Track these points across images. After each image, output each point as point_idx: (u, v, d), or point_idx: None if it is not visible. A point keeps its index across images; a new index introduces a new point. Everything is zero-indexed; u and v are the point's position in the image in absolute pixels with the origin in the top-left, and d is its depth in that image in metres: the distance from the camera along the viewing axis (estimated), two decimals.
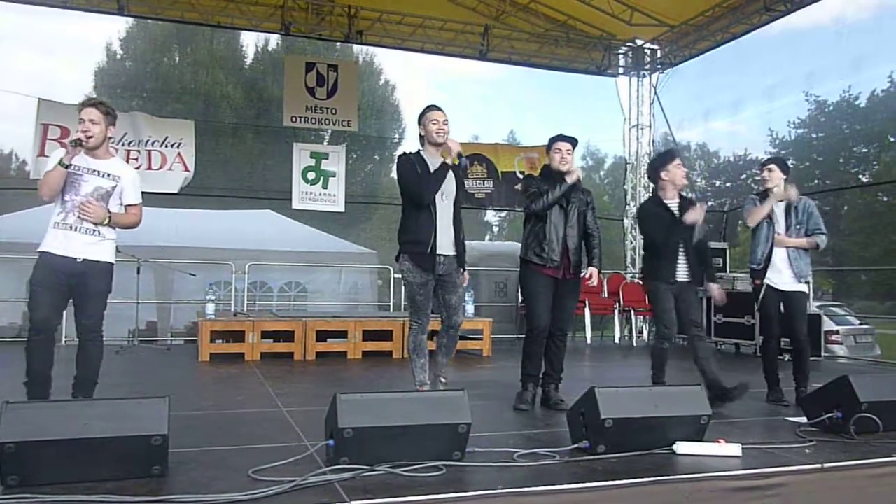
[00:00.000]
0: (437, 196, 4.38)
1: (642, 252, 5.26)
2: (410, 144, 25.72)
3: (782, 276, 5.02)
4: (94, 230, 4.02)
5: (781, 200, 5.02)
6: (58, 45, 32.20)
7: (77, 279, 3.97)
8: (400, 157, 4.54)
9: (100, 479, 2.63)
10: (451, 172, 4.50)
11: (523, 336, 4.81)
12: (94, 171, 4.04)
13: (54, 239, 3.96)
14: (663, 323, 4.87)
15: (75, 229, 3.98)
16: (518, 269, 4.92)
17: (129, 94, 22.70)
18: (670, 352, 4.92)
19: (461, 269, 4.55)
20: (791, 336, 5.11)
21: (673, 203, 4.93)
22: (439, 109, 4.48)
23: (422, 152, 4.50)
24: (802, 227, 5.03)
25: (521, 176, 9.99)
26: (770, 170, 5.07)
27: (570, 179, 4.57)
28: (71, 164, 3.91)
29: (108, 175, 4.09)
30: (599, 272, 4.78)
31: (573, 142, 4.69)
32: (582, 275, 4.71)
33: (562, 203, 4.62)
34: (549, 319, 4.63)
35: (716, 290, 5.04)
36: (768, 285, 5.02)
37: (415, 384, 4.49)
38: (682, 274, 4.84)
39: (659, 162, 5.09)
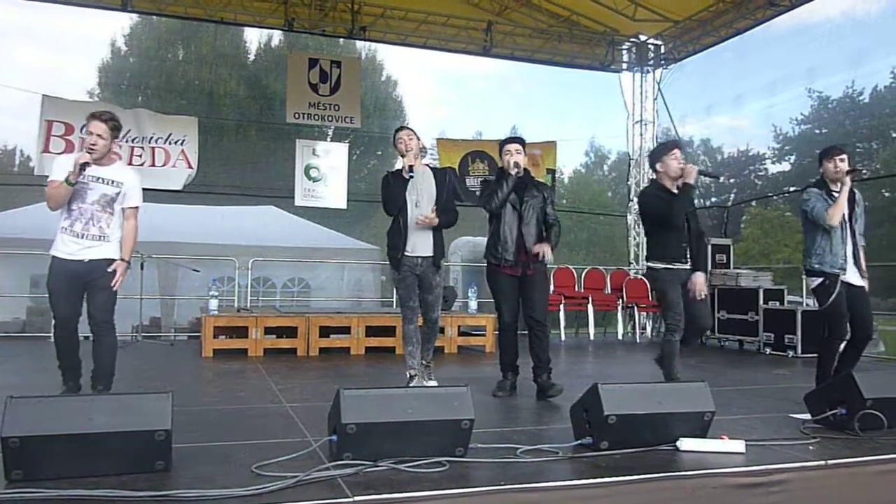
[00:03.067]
0: (411, 204, 4.84)
1: (646, 244, 5.07)
2: None
3: (848, 270, 4.79)
4: (100, 237, 4.28)
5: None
6: (62, 41, 32.29)
7: (85, 277, 4.24)
8: (383, 177, 5.01)
9: (103, 473, 2.63)
10: (431, 179, 4.96)
11: (524, 332, 4.92)
12: (99, 178, 4.25)
13: (63, 244, 4.23)
14: (674, 315, 4.61)
15: (82, 236, 4.24)
16: None
17: (133, 90, 22.74)
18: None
19: (437, 269, 4.94)
20: (860, 335, 4.89)
21: (674, 191, 4.75)
22: (405, 129, 4.98)
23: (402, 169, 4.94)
24: (860, 220, 4.85)
25: None
26: (843, 160, 4.76)
27: (512, 173, 4.82)
28: (77, 182, 4.12)
29: (112, 182, 4.30)
30: (553, 249, 4.91)
31: (521, 142, 4.99)
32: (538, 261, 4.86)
33: (515, 204, 4.86)
34: (516, 315, 4.92)
35: (700, 281, 4.73)
36: (842, 282, 4.74)
37: (405, 369, 4.95)
38: (687, 262, 4.73)
39: (656, 153, 4.90)
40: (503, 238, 4.83)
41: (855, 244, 4.81)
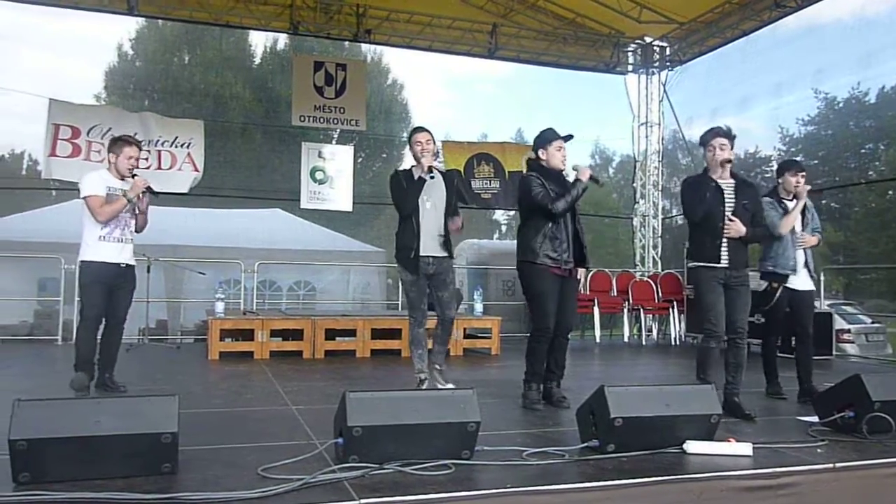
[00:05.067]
0: (422, 205, 4.80)
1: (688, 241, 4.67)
2: None
3: (799, 276, 5.07)
4: (130, 239, 4.91)
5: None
6: (69, 45, 32.39)
7: (118, 280, 4.83)
8: (391, 175, 4.98)
9: (110, 476, 2.64)
10: (441, 182, 4.91)
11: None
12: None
13: (105, 250, 4.76)
14: (708, 318, 4.35)
15: (121, 240, 4.83)
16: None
17: (140, 93, 22.83)
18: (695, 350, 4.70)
19: (449, 265, 4.94)
20: (801, 333, 5.21)
21: (726, 182, 4.40)
22: (423, 131, 4.92)
23: (413, 168, 4.90)
24: (809, 226, 5.15)
25: None
26: (804, 176, 5.04)
27: (584, 178, 4.58)
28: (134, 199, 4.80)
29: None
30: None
31: (569, 139, 4.71)
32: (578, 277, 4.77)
33: None
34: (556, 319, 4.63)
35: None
36: (785, 287, 5.05)
37: (414, 372, 4.96)
38: (724, 260, 4.34)
39: (700, 141, 4.57)
40: (560, 238, 4.56)
41: (805, 249, 5.10)
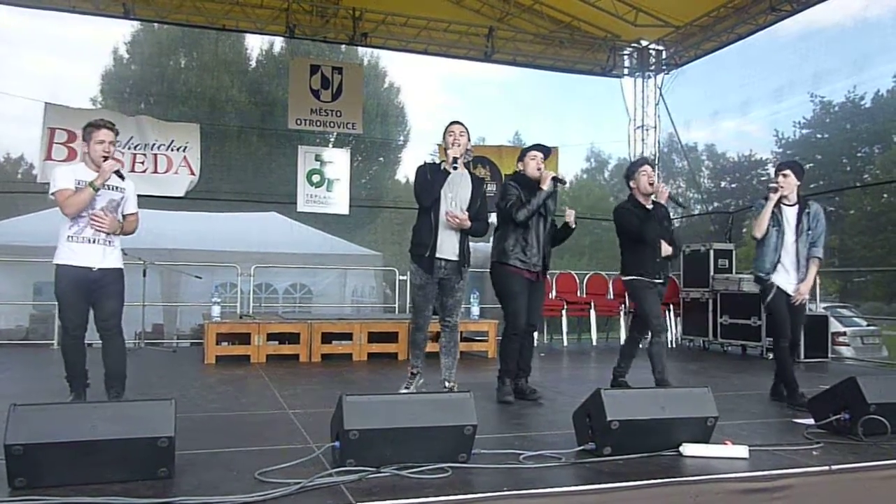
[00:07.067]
0: (444, 199, 4.62)
1: (620, 253, 5.40)
2: (415, 147, 25.76)
3: (790, 278, 4.99)
4: (108, 241, 4.36)
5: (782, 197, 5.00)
6: (65, 49, 32.28)
7: (94, 285, 4.29)
8: (418, 167, 4.80)
9: (106, 480, 2.64)
10: (468, 180, 4.79)
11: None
12: (106, 185, 4.33)
13: (71, 252, 4.26)
14: (655, 316, 5.10)
15: (93, 241, 4.29)
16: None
17: (136, 97, 22.77)
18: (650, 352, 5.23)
19: (461, 274, 4.76)
20: (792, 335, 5.06)
21: (648, 206, 5.21)
22: (458, 123, 4.78)
23: (442, 162, 4.77)
24: (810, 235, 5.00)
25: None
26: (785, 175, 4.98)
27: (545, 187, 4.85)
28: (101, 188, 4.25)
29: (116, 188, 4.42)
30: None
31: (546, 151, 5.06)
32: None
33: (542, 211, 4.94)
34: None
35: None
36: (778, 286, 4.97)
37: (409, 368, 4.91)
38: (664, 275, 5.22)
39: (629, 170, 5.39)
40: (531, 243, 4.90)
41: (798, 254, 4.98)
